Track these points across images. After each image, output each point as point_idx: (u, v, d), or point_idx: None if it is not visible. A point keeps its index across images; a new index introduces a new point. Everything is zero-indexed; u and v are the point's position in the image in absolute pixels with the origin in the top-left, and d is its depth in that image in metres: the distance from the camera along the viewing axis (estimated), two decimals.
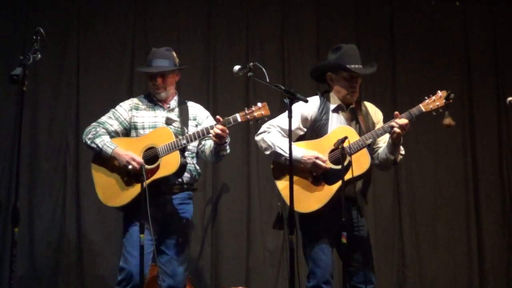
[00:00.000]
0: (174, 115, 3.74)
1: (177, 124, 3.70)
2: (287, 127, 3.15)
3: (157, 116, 3.72)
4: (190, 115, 3.77)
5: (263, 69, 3.18)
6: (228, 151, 3.69)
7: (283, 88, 3.18)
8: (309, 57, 5.47)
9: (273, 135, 3.55)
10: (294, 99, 3.08)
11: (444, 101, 3.42)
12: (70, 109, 5.08)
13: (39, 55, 2.96)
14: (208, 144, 3.69)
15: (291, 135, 3.09)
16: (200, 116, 3.81)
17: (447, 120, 3.42)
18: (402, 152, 3.55)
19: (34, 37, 2.96)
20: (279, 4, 5.51)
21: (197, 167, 3.78)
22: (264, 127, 3.61)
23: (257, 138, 3.62)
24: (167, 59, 3.75)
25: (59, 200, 4.96)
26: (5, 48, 5.02)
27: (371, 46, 5.58)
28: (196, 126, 3.76)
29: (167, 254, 3.61)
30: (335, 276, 3.62)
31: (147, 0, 5.33)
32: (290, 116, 3.07)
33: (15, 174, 2.96)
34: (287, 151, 3.14)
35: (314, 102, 3.59)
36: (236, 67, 3.26)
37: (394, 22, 5.68)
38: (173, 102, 3.77)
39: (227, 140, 3.55)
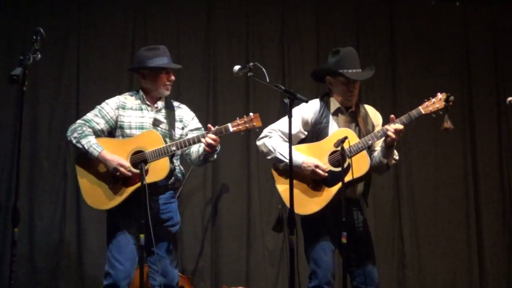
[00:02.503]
0: (161, 116, 3.70)
1: (164, 126, 3.68)
2: (288, 131, 3.15)
3: (144, 117, 3.67)
4: (177, 117, 3.75)
5: (263, 69, 3.18)
6: (215, 157, 3.68)
7: (283, 88, 3.18)
8: (309, 57, 5.47)
9: (274, 140, 3.55)
10: (294, 99, 3.08)
11: (444, 103, 3.41)
12: (70, 109, 5.08)
13: (39, 55, 2.96)
14: (196, 148, 3.67)
15: (291, 136, 3.09)
16: (186, 118, 3.78)
17: (446, 124, 3.42)
18: (396, 157, 3.56)
19: (34, 37, 2.96)
20: (279, 4, 5.51)
21: (181, 168, 3.76)
22: (265, 132, 3.61)
23: (258, 143, 3.63)
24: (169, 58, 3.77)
25: (59, 200, 4.96)
26: (5, 48, 5.02)
27: (371, 46, 5.59)
28: (183, 128, 3.74)
29: (157, 254, 3.54)
30: (336, 276, 3.62)
31: (147, 0, 5.33)
32: (290, 116, 3.07)
33: (15, 174, 2.97)
34: (288, 157, 3.14)
35: (314, 105, 3.59)
36: (236, 67, 3.26)
37: (394, 22, 5.68)
38: (161, 103, 3.74)
39: (217, 148, 3.55)
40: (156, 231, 3.57)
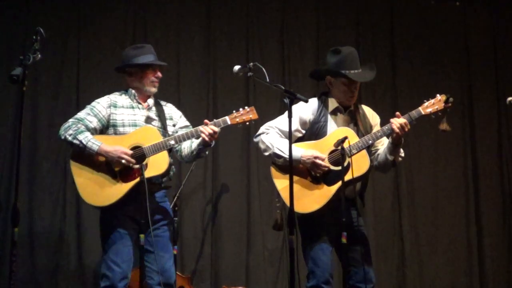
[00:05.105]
0: (153, 114, 3.73)
1: (156, 123, 3.71)
2: (285, 129, 3.15)
3: (136, 115, 3.68)
4: (167, 114, 3.78)
5: (263, 69, 3.18)
6: (207, 153, 3.73)
7: (283, 88, 3.19)
8: (309, 57, 5.47)
9: (271, 136, 3.55)
10: (294, 99, 3.08)
11: (443, 104, 3.43)
12: (70, 109, 5.07)
13: (39, 55, 2.96)
14: (188, 144, 3.69)
15: (291, 135, 3.09)
16: (175, 116, 3.82)
17: (443, 125, 3.43)
18: (402, 154, 3.56)
19: (34, 37, 2.96)
20: (279, 4, 5.51)
21: (173, 167, 3.78)
22: (262, 129, 3.62)
23: (255, 139, 3.64)
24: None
25: (59, 200, 4.96)
26: (5, 48, 5.01)
27: (371, 45, 5.59)
28: (174, 125, 3.77)
29: (153, 252, 3.50)
30: (334, 276, 3.62)
31: (147, 0, 5.33)
32: (290, 116, 3.07)
33: (15, 174, 2.97)
34: (286, 152, 3.14)
35: (313, 104, 3.60)
36: (236, 67, 3.27)
37: (394, 22, 5.68)
38: (150, 101, 3.77)
39: (212, 143, 3.58)
40: (153, 229, 3.58)
